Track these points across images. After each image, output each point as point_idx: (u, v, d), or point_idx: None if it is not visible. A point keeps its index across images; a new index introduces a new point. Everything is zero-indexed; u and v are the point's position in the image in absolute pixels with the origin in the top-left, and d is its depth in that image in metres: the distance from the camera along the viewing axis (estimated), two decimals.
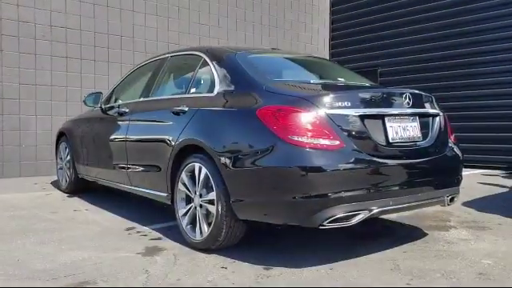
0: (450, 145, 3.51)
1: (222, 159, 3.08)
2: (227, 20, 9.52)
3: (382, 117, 3.06)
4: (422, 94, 3.45)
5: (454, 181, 3.42)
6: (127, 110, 4.45)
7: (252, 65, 3.50)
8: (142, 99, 4.37)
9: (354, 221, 2.86)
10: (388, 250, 3.33)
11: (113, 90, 5.09)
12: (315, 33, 11.35)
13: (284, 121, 2.82)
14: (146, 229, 4.01)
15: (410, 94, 3.21)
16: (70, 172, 5.68)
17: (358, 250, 3.30)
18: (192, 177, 3.40)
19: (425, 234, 3.80)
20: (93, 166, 5.09)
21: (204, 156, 3.26)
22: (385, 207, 2.96)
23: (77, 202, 5.31)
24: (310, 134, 2.79)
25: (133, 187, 4.31)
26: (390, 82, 10.39)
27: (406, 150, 3.15)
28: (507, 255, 3.21)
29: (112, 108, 4.84)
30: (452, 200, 3.46)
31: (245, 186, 3.00)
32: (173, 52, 4.39)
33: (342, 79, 3.72)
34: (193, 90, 3.75)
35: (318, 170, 2.74)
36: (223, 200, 3.09)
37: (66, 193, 5.87)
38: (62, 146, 5.94)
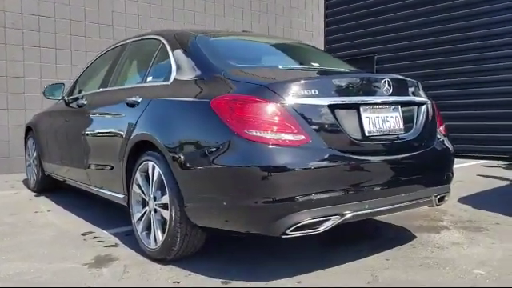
0: (438, 137, 3.09)
1: (174, 157, 2.69)
2: (214, 5, 9.06)
3: (356, 106, 2.65)
4: (405, 80, 3.03)
5: (443, 178, 3.01)
6: (85, 102, 4.06)
7: (213, 49, 3.09)
8: (100, 90, 3.98)
9: (323, 228, 2.46)
10: (368, 258, 2.93)
11: (76, 80, 4.69)
12: (309, 18, 10.87)
13: (240, 113, 2.42)
14: (104, 234, 3.62)
15: (391, 79, 2.79)
16: (37, 170, 5.30)
17: (333, 258, 2.90)
18: (147, 177, 3.01)
19: (413, 237, 3.40)
20: (56, 163, 4.70)
21: (157, 154, 2.86)
22: (359, 211, 2.55)
23: (42, 203, 4.93)
24: (269, 127, 2.38)
25: (92, 187, 3.93)
26: (388, 70, 9.93)
27: (386, 145, 2.73)
28: (503, 263, 2.81)
29: (74, 100, 4.44)
30: (441, 200, 3.05)
31: (199, 189, 2.61)
32: (134, 37, 3.98)
33: (317, 64, 3.30)
34: (149, 78, 3.35)
35: (278, 169, 2.34)
36: (177, 204, 2.69)
37: (35, 192, 5.50)
38: (30, 141, 5.56)
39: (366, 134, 2.64)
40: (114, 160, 3.37)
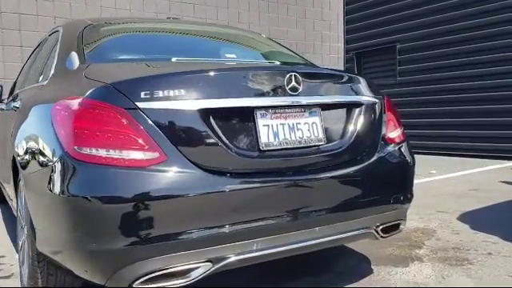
0: (385, 147, 2.33)
1: (25, 177, 2.14)
2: None
3: (248, 111, 1.96)
4: (332, 75, 2.30)
5: (388, 202, 2.26)
6: (3, 107, 3.60)
7: (98, 39, 2.50)
8: (17, 91, 3.49)
9: (191, 278, 1.80)
10: None
11: (15, 81, 4.24)
12: (326, 7, 10.03)
13: (72, 123, 1.80)
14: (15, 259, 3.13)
15: (303, 74, 2.08)
16: None
17: None
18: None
19: (368, 273, 2.66)
20: None
21: None
22: (246, 254, 1.87)
23: None
24: (107, 142, 1.75)
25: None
26: (411, 60, 8.96)
27: (295, 161, 2.03)
28: None
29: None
30: (388, 231, 2.31)
31: (42, 221, 2.03)
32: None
33: (234, 56, 2.60)
34: (41, 77, 2.80)
35: (113, 201, 1.70)
36: (32, 235, 2.13)
37: None
38: None
39: (262, 148, 1.95)
40: (6, 174, 2.88)
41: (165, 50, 2.52)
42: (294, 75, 2.03)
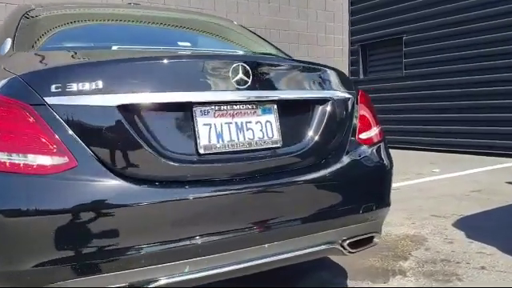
0: (357, 149, 2.02)
1: None
2: None
3: (185, 107, 1.67)
4: (292, 65, 2.00)
5: (357, 212, 1.95)
6: None
7: (33, 25, 2.23)
8: None
9: None
10: None
11: None
12: None
13: None
14: None
15: (254, 64, 1.78)
16: None
17: None
18: None
19: None
20: None
21: None
22: (178, 276, 1.59)
23: None
24: (9, 144, 1.48)
25: None
26: (418, 52, 8.56)
27: (243, 166, 1.73)
28: None
29: None
30: (358, 246, 2.01)
31: None
32: None
33: (188, 44, 2.30)
34: None
35: (16, 214, 1.43)
36: None
37: None
38: None
39: (201, 152, 1.66)
40: None
41: (109, 38, 2.23)
42: (242, 66, 1.73)
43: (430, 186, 5.09)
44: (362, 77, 9.69)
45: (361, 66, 9.72)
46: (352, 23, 9.76)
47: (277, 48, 2.65)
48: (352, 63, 9.87)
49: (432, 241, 3.11)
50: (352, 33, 9.74)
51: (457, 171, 6.05)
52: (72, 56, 1.87)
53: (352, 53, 9.82)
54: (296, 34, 9.11)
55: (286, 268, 2.51)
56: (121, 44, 2.09)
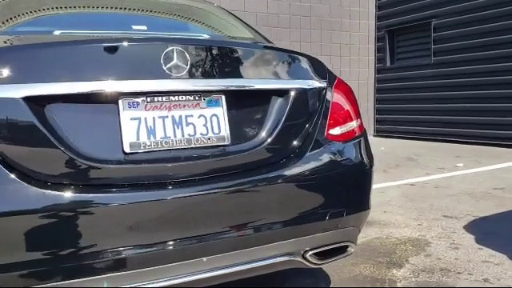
0: (328, 146, 1.76)
1: None
2: None
3: (109, 99, 1.45)
4: (249, 50, 1.74)
5: (322, 219, 1.69)
6: None
7: (11, 9, 2.07)
8: None
9: None
10: None
11: None
12: None
13: None
14: None
15: (196, 48, 1.55)
16: None
17: None
18: None
19: None
20: None
21: None
22: None
23: None
24: None
25: None
26: (447, 38, 8.04)
27: (182, 167, 1.51)
28: None
29: None
30: (326, 256, 1.76)
31: None
32: None
33: (144, 28, 2.07)
34: None
35: None
36: None
37: None
38: None
39: (127, 151, 1.44)
40: None
41: (59, 23, 2.04)
42: (178, 50, 1.50)
43: (449, 182, 4.71)
44: (388, 64, 9.24)
45: (388, 53, 9.25)
46: (378, 7, 9.28)
47: (256, 32, 2.39)
48: (378, 50, 9.42)
49: (436, 246, 2.80)
50: (379, 18, 9.28)
51: (483, 166, 5.62)
52: (20, 39, 1.69)
53: (378, 39, 9.36)
54: (318, 20, 8.74)
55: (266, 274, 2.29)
56: (69, 29, 1.89)
